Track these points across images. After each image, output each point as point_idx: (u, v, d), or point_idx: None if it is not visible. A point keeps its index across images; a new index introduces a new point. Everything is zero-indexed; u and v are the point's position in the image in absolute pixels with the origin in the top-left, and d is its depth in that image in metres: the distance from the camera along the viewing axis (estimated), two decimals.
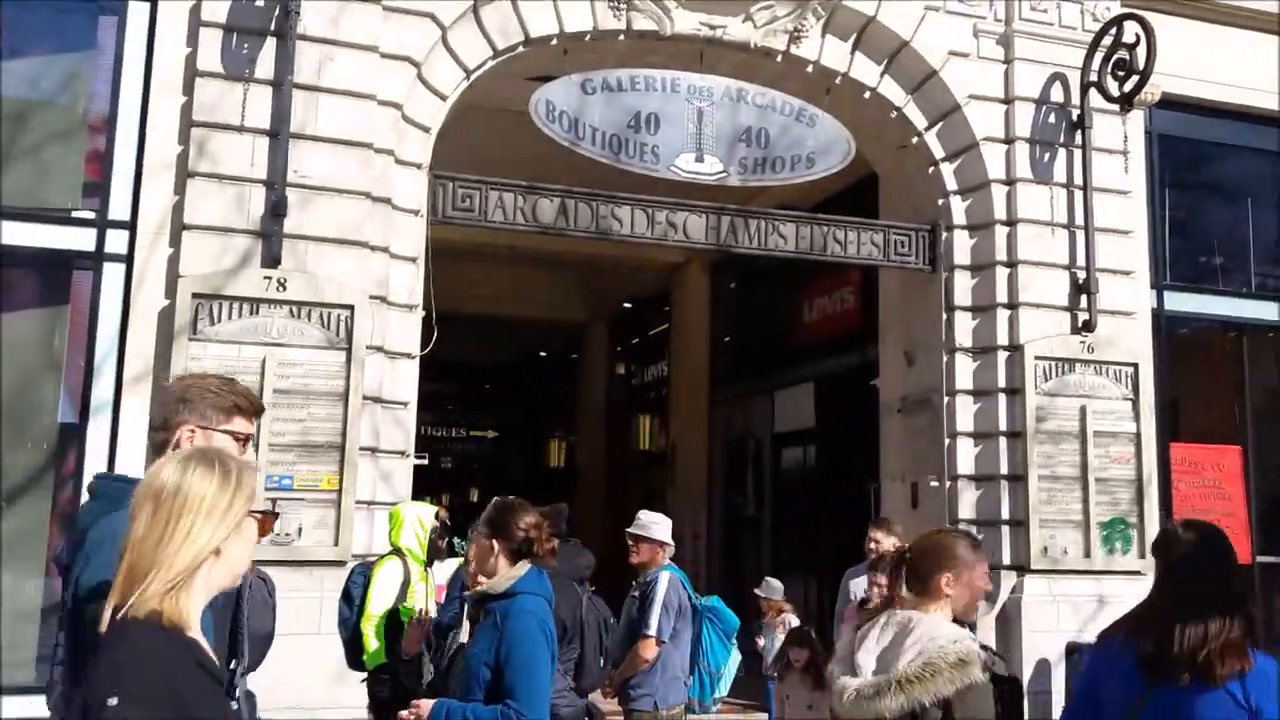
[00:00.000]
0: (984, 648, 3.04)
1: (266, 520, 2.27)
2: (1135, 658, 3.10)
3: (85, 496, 2.80)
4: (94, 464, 7.52)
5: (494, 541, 3.56)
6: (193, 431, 2.48)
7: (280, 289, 7.72)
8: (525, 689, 3.25)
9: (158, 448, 2.48)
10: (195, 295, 7.55)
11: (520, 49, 8.83)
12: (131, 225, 7.76)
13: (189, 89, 7.81)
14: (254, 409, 2.64)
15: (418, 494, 8.41)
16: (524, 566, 3.55)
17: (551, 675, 3.46)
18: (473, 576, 3.65)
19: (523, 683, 3.25)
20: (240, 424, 2.54)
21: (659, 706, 5.44)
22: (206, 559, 2.00)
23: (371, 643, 5.78)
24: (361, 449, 7.88)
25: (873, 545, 6.72)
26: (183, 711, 1.86)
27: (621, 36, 9.06)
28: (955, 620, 3.14)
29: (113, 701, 1.81)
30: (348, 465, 7.75)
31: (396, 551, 5.99)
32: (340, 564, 7.41)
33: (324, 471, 7.74)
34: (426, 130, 8.51)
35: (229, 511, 2.04)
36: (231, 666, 4.54)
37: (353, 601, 5.98)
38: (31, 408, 7.89)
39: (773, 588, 8.15)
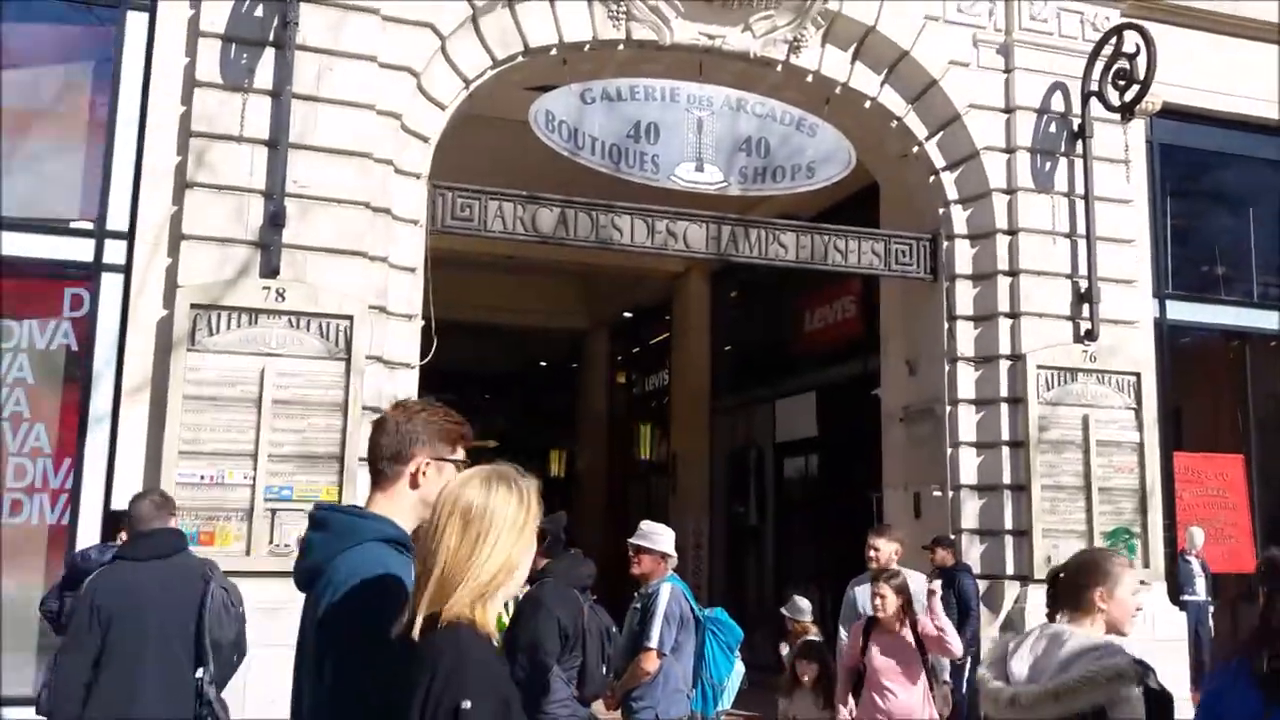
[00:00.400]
0: (1137, 662, 3.14)
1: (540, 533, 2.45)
2: (1251, 676, 3.21)
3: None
4: (93, 475, 7.50)
5: None
6: (428, 464, 2.53)
7: (279, 299, 7.69)
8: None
9: (390, 477, 2.53)
10: (194, 305, 7.53)
11: (519, 59, 8.82)
12: (130, 235, 7.75)
13: (188, 99, 7.80)
14: (471, 436, 2.69)
15: None
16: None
17: None
18: None
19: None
20: (462, 452, 2.60)
21: (661, 719, 5.40)
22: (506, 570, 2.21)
23: None
24: (361, 459, 7.83)
25: (872, 553, 6.67)
26: (509, 711, 2.05)
27: (621, 46, 9.05)
28: (1107, 633, 3.32)
29: (466, 705, 1.98)
30: (347, 475, 7.72)
31: None
32: None
33: (324, 482, 7.71)
34: (426, 140, 8.49)
35: (525, 528, 2.25)
36: (199, 675, 4.52)
37: None
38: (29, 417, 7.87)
39: (799, 609, 8.05)
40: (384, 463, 2.51)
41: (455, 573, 2.13)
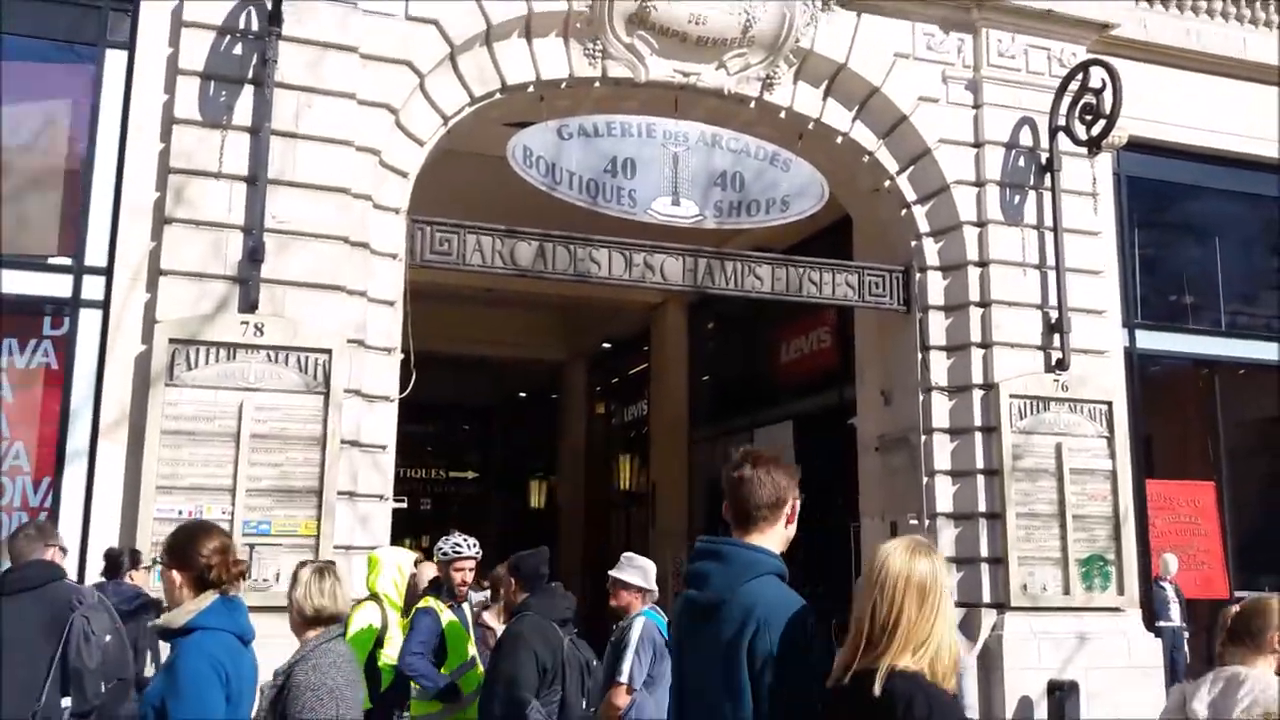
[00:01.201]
0: None
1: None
2: None
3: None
4: (70, 510, 7.48)
5: (174, 571, 3.24)
6: (796, 502, 2.87)
7: (258, 333, 7.72)
8: None
9: (769, 520, 2.83)
10: (172, 340, 7.55)
11: (497, 95, 8.93)
12: (108, 271, 7.77)
13: (166, 135, 7.86)
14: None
15: (397, 537, 8.39)
16: (208, 598, 3.21)
17: None
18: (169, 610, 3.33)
19: None
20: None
21: None
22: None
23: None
24: (339, 493, 7.85)
25: None
26: None
27: (597, 83, 9.18)
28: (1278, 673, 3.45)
29: None
30: (325, 510, 7.72)
31: (373, 597, 5.96)
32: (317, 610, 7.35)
33: (302, 516, 7.71)
34: (404, 175, 8.57)
35: (949, 591, 2.61)
36: (65, 704, 4.52)
37: None
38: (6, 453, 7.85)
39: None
40: (764, 509, 2.81)
41: (916, 633, 2.46)
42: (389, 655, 5.80)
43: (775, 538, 2.84)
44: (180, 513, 7.43)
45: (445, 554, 5.87)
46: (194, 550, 3.23)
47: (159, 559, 3.32)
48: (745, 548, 2.79)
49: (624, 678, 5.37)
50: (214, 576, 3.23)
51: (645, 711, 5.44)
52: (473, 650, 5.82)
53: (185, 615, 3.14)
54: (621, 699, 5.36)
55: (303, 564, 3.91)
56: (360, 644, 5.76)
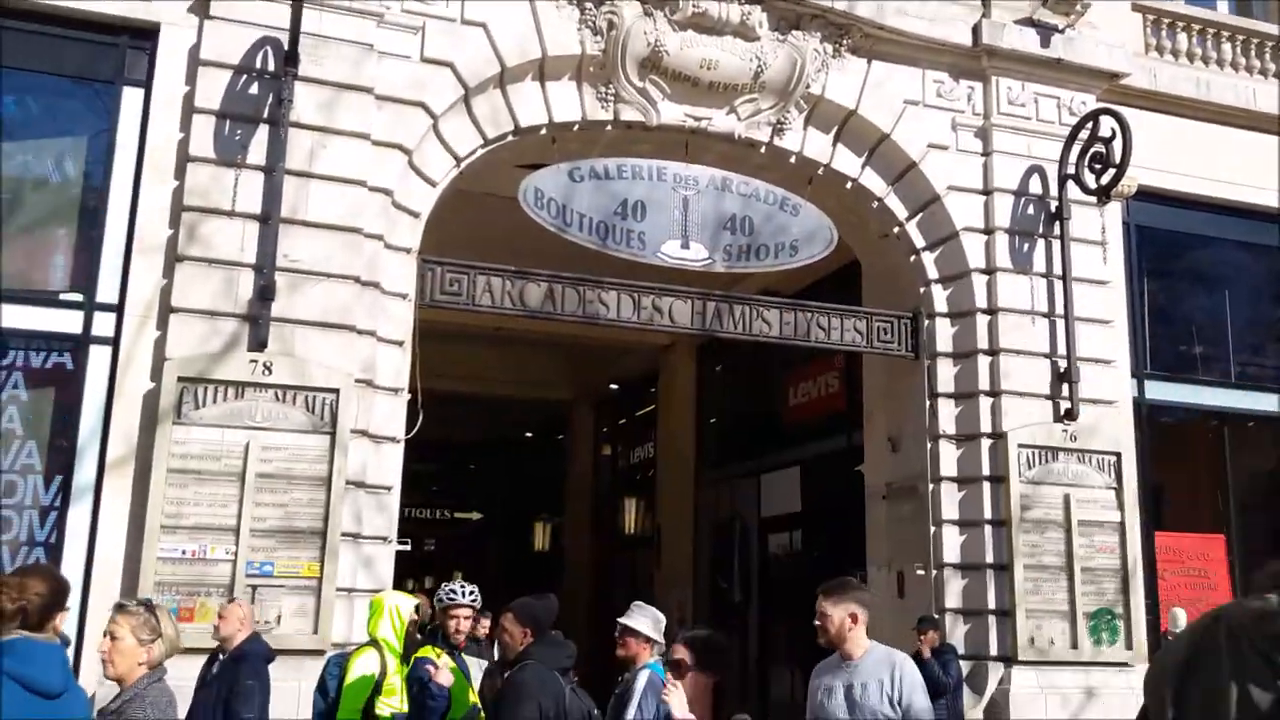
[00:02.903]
0: None
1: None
2: None
3: None
4: (74, 548, 7.44)
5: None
6: None
7: (266, 372, 7.72)
8: None
9: None
10: (181, 379, 7.54)
11: (510, 137, 8.99)
12: (119, 308, 7.79)
13: (181, 173, 7.90)
14: None
15: (400, 578, 8.33)
16: (9, 636, 3.16)
17: None
18: None
19: None
20: None
21: None
22: None
23: None
24: (344, 535, 7.81)
25: (819, 621, 4.77)
26: None
27: (609, 127, 9.24)
28: None
29: None
30: (329, 552, 7.67)
31: (374, 643, 5.89)
32: (320, 653, 7.28)
33: (305, 558, 7.66)
34: (416, 215, 8.61)
35: None
36: None
37: (327, 694, 5.86)
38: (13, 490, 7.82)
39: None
40: None
41: None
42: (388, 703, 5.72)
43: None
44: (184, 552, 7.39)
45: (441, 600, 5.81)
46: (23, 587, 3.21)
47: None
48: None
49: None
50: (33, 616, 3.20)
51: None
52: (474, 698, 5.75)
53: None
54: None
55: (132, 604, 3.72)
56: (359, 690, 5.69)
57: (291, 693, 7.22)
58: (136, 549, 7.34)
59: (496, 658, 6.91)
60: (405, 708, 5.64)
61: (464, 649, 6.05)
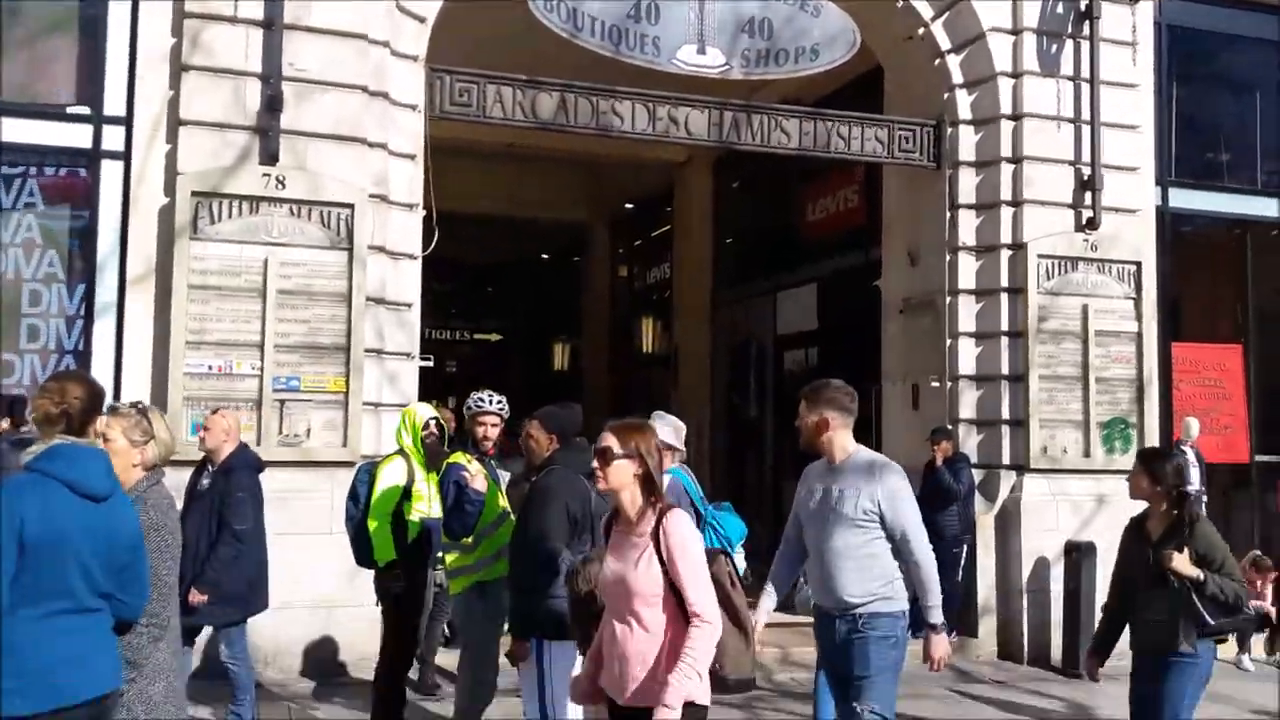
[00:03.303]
0: None
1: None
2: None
3: None
4: (101, 366, 7.55)
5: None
6: None
7: (279, 186, 7.66)
8: None
9: None
10: (195, 193, 7.50)
11: None
12: (128, 121, 7.67)
13: None
14: None
15: (424, 397, 8.44)
16: (51, 441, 3.17)
17: (24, 566, 2.92)
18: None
19: None
20: None
21: None
22: None
23: (377, 540, 5.83)
24: (367, 351, 7.90)
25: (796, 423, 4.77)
26: None
27: None
28: None
29: None
30: (353, 367, 7.78)
31: (402, 452, 6.03)
32: (349, 464, 7.46)
33: (331, 373, 7.78)
34: (422, 20, 8.33)
35: None
36: None
37: (359, 500, 6.03)
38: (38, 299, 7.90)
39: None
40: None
41: None
42: (417, 509, 5.87)
43: None
44: (209, 368, 7.51)
45: (469, 408, 5.89)
46: (63, 392, 3.21)
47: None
48: None
49: None
50: (75, 420, 3.21)
51: None
52: (504, 503, 5.91)
53: (30, 455, 3.10)
54: None
55: (123, 406, 3.68)
56: (388, 497, 5.85)
57: (324, 502, 7.47)
58: (163, 364, 7.45)
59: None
60: (434, 513, 5.80)
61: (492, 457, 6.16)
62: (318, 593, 7.39)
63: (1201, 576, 4.65)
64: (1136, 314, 9.67)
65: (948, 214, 9.71)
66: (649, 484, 3.50)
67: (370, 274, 7.90)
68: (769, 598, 4.62)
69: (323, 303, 7.76)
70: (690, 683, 3.26)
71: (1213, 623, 4.66)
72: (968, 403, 9.62)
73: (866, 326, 11.23)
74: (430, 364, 9.32)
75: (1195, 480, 10.23)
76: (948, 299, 9.68)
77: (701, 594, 3.35)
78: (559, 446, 5.19)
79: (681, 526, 3.44)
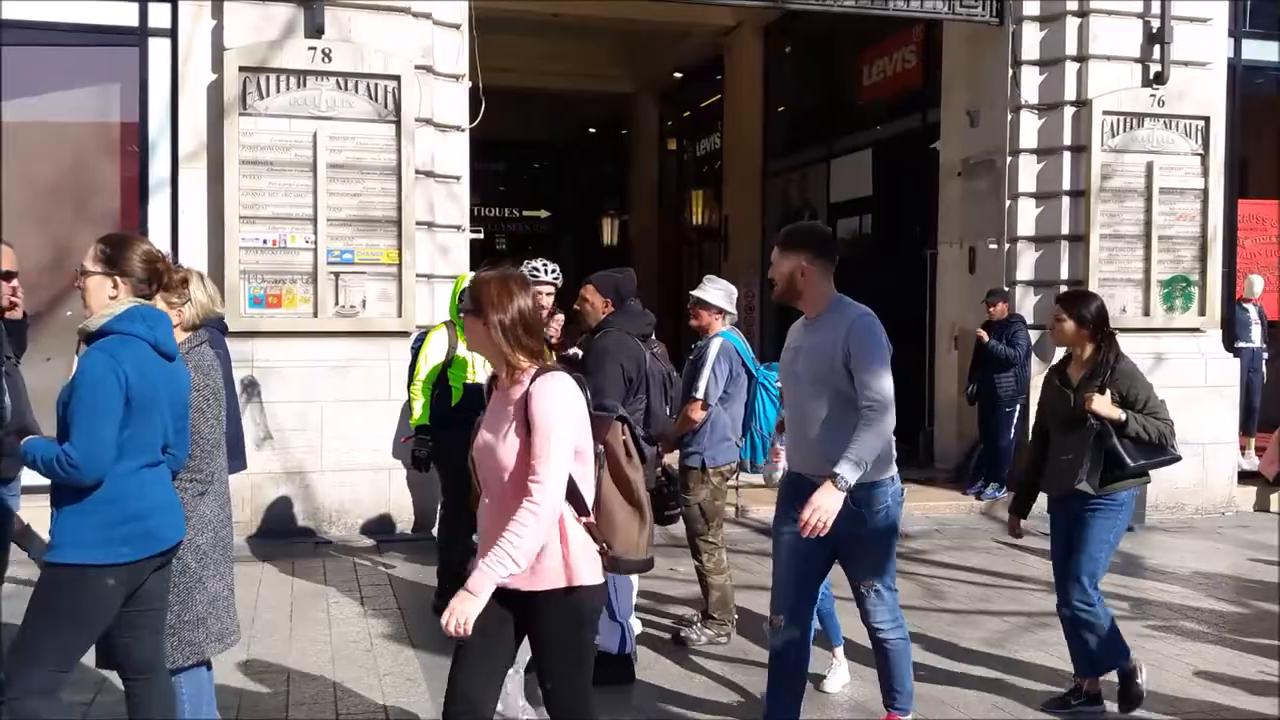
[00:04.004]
0: None
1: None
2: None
3: None
4: (158, 242, 7.65)
5: (112, 277, 3.16)
6: None
7: (325, 60, 7.60)
8: (79, 431, 2.96)
9: None
10: (242, 69, 7.47)
11: None
12: None
13: None
14: None
15: (475, 270, 8.48)
16: (125, 304, 3.14)
17: (127, 421, 3.01)
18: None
19: (78, 424, 2.96)
20: None
21: (706, 465, 5.56)
22: None
23: (416, 407, 5.93)
24: (418, 224, 7.93)
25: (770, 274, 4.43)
26: None
27: None
28: None
29: None
30: (405, 239, 7.84)
31: (449, 323, 6.09)
32: (405, 334, 7.61)
33: (384, 246, 7.84)
34: None
35: None
36: None
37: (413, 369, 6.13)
38: (90, 188, 8.00)
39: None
40: None
41: None
42: (459, 375, 5.94)
43: None
44: (265, 241, 7.60)
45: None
46: (130, 255, 3.18)
47: (84, 266, 3.16)
48: None
49: (700, 394, 5.49)
50: (155, 283, 3.23)
51: (720, 426, 5.60)
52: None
53: (101, 319, 3.10)
54: (697, 414, 5.50)
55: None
56: (432, 371, 5.93)
57: (382, 372, 7.65)
58: (218, 239, 7.55)
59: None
60: (479, 378, 5.86)
61: None
62: (376, 457, 7.64)
63: (1123, 417, 4.42)
64: (1203, 170, 9.39)
65: (1010, 72, 9.41)
66: (514, 343, 2.95)
67: (419, 147, 7.89)
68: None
69: (373, 176, 7.77)
70: (502, 569, 2.78)
71: (1132, 463, 4.43)
72: (1025, 265, 9.48)
73: (923, 191, 11.04)
74: (480, 236, 9.34)
75: (1256, 338, 10.07)
76: (1008, 159, 9.45)
77: (545, 469, 2.82)
78: (614, 310, 5.22)
79: (549, 391, 2.90)
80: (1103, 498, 4.48)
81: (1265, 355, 10.16)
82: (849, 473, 3.60)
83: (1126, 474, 4.47)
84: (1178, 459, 4.59)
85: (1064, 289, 9.26)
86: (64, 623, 3.00)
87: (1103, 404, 4.44)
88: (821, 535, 3.62)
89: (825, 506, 3.58)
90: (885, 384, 3.72)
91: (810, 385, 3.88)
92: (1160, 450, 4.50)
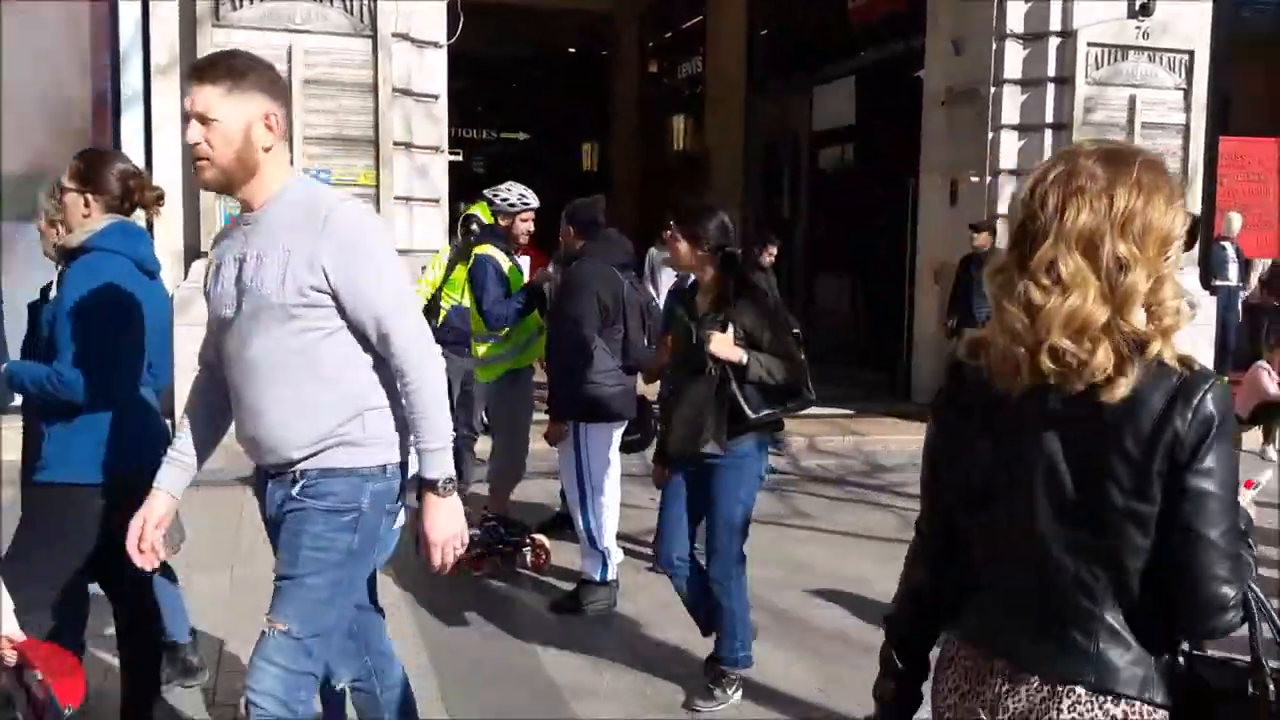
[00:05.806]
0: None
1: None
2: None
3: None
4: (132, 155, 7.51)
5: (85, 195, 3.10)
6: None
7: None
8: (67, 348, 2.94)
9: None
10: None
11: None
12: None
13: None
14: None
15: (453, 196, 8.38)
16: (105, 220, 3.10)
17: (114, 339, 3.00)
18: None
19: (65, 342, 2.94)
20: None
21: None
22: None
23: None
24: (395, 143, 7.81)
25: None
26: None
27: None
28: None
29: None
30: (383, 160, 7.72)
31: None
32: None
33: (360, 166, 7.73)
34: None
35: None
36: None
37: None
38: (63, 101, 7.82)
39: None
40: None
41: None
42: (452, 296, 5.98)
43: None
44: None
45: (514, 205, 5.77)
46: (107, 173, 3.12)
47: (62, 182, 3.11)
48: None
49: None
50: (129, 200, 3.15)
51: None
52: None
53: (81, 235, 3.05)
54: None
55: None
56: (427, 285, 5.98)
57: None
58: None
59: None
60: (464, 300, 5.84)
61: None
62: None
63: (744, 359, 3.68)
64: (1185, 105, 9.37)
65: None
66: None
67: (396, 63, 7.73)
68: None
69: (350, 93, 7.63)
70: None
71: (752, 415, 3.72)
72: (1007, 198, 9.45)
73: (905, 119, 10.94)
74: (459, 158, 9.22)
75: (1233, 275, 10.14)
76: (992, 89, 9.38)
77: None
78: (587, 239, 5.18)
79: None
80: (716, 457, 3.78)
81: (1242, 294, 10.25)
82: (437, 466, 2.56)
83: (748, 426, 3.77)
84: (811, 402, 3.89)
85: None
86: (56, 542, 2.99)
87: (721, 344, 3.68)
88: None
89: (440, 528, 2.56)
90: (412, 317, 2.59)
91: (253, 322, 2.60)
92: (790, 395, 3.82)
